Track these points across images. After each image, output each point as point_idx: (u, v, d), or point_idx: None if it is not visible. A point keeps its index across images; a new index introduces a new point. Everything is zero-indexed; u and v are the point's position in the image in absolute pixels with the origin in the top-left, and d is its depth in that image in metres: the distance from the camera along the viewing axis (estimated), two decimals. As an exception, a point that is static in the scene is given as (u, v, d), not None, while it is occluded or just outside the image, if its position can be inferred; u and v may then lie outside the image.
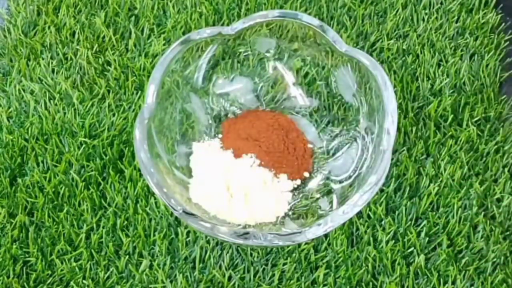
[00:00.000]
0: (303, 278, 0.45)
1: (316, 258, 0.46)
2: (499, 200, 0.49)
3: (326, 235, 0.46)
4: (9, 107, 0.53)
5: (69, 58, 0.56)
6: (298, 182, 0.48)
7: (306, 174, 0.49)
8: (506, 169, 0.50)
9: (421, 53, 0.57)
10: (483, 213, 0.48)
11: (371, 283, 0.45)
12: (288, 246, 0.46)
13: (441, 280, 0.45)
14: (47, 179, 0.49)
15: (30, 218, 0.47)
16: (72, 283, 0.44)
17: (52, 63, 0.56)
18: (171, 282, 0.45)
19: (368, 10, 0.60)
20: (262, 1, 0.60)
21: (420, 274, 0.45)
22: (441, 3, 0.61)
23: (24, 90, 0.54)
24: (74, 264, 0.45)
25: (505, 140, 0.52)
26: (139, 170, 0.48)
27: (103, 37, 0.58)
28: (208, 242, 0.46)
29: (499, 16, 0.60)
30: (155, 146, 0.44)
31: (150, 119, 0.43)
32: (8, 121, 0.52)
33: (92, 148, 0.50)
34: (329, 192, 0.47)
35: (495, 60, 0.57)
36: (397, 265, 0.45)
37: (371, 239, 0.46)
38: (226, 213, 0.45)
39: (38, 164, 0.50)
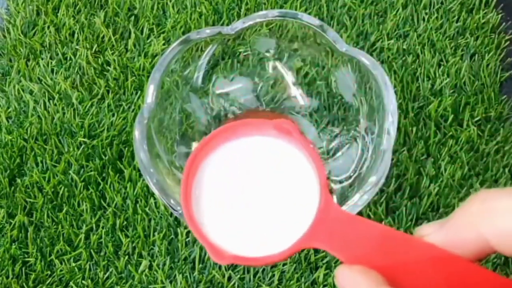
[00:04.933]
0: (303, 278, 0.45)
1: (316, 258, 0.45)
2: (499, 201, 0.49)
3: (326, 236, 0.46)
4: (8, 107, 0.53)
5: (68, 58, 0.56)
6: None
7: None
8: (506, 170, 0.50)
9: (421, 53, 0.57)
10: (483, 213, 0.47)
11: (371, 284, 0.44)
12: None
13: (442, 280, 0.45)
14: (46, 179, 0.48)
15: (29, 218, 0.47)
16: (71, 283, 0.44)
17: (51, 63, 0.56)
18: (170, 282, 0.44)
19: (368, 10, 0.59)
20: (262, 1, 0.60)
21: (421, 275, 0.45)
22: (442, 3, 0.61)
23: (23, 90, 0.54)
24: (74, 264, 0.45)
25: (506, 140, 0.52)
26: (139, 170, 0.48)
27: (103, 37, 0.57)
28: (207, 242, 0.46)
29: (500, 16, 0.60)
30: (155, 146, 0.44)
31: (149, 119, 0.43)
32: (7, 121, 0.52)
33: (92, 148, 0.50)
34: (329, 192, 0.47)
35: (496, 60, 0.57)
36: (397, 265, 0.45)
37: (371, 239, 0.46)
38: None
39: (37, 164, 0.50)
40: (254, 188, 0.23)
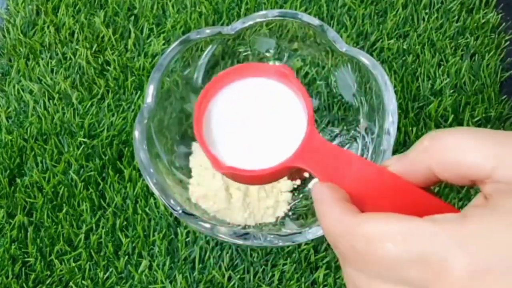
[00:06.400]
0: (303, 278, 0.45)
1: (316, 258, 0.45)
2: (499, 201, 0.49)
3: (326, 236, 0.46)
4: (8, 107, 0.53)
5: (68, 58, 0.56)
6: (298, 182, 0.48)
7: (306, 174, 0.49)
8: (506, 169, 0.50)
9: (421, 53, 0.57)
10: (483, 213, 0.47)
11: (371, 284, 0.44)
12: (288, 247, 0.46)
13: (442, 280, 0.45)
14: (46, 179, 0.48)
15: (29, 218, 0.47)
16: (71, 283, 0.44)
17: (51, 63, 0.56)
18: (170, 282, 0.44)
19: (368, 10, 0.59)
20: (261, 1, 0.59)
21: (421, 275, 0.45)
22: (442, 3, 0.61)
23: (23, 90, 0.54)
24: (73, 264, 0.45)
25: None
26: (139, 170, 0.48)
27: (103, 37, 0.57)
28: (207, 242, 0.46)
29: (500, 15, 0.60)
30: (155, 146, 0.44)
31: (149, 119, 0.43)
32: (7, 121, 0.52)
33: (92, 148, 0.50)
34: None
35: (496, 60, 0.57)
36: (397, 265, 0.45)
37: (371, 239, 0.46)
38: (226, 213, 0.45)
39: (37, 164, 0.50)
40: (254, 118, 0.28)
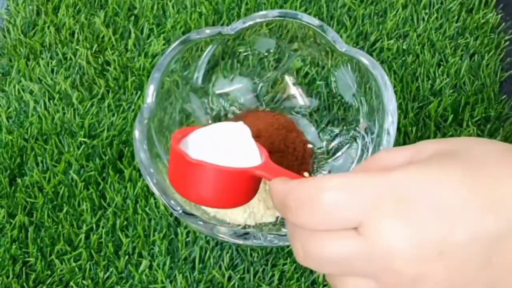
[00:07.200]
0: (303, 278, 0.45)
1: (316, 258, 0.45)
2: (499, 200, 0.49)
3: (326, 235, 0.46)
4: (8, 107, 0.53)
5: (68, 58, 0.56)
6: (298, 182, 0.48)
7: (306, 174, 0.49)
8: (506, 169, 0.50)
9: (421, 53, 0.57)
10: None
11: (371, 284, 0.45)
12: (288, 247, 0.46)
13: (441, 280, 0.45)
14: (47, 179, 0.49)
15: (29, 218, 0.47)
16: (71, 283, 0.44)
17: (51, 63, 0.56)
18: (170, 282, 0.44)
19: (368, 10, 0.59)
20: (262, 1, 0.60)
21: (420, 275, 0.45)
22: (441, 3, 0.61)
23: (23, 90, 0.54)
24: (74, 264, 0.45)
25: (506, 140, 0.52)
26: (139, 170, 0.48)
27: (103, 37, 0.58)
28: (207, 242, 0.46)
29: (499, 16, 0.60)
30: (155, 146, 0.44)
31: (149, 119, 0.43)
32: (8, 121, 0.52)
33: (92, 148, 0.50)
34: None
35: (495, 60, 0.57)
36: (397, 265, 0.45)
37: (371, 239, 0.46)
38: (226, 213, 0.45)
39: (37, 164, 0.50)
40: (224, 148, 0.34)
